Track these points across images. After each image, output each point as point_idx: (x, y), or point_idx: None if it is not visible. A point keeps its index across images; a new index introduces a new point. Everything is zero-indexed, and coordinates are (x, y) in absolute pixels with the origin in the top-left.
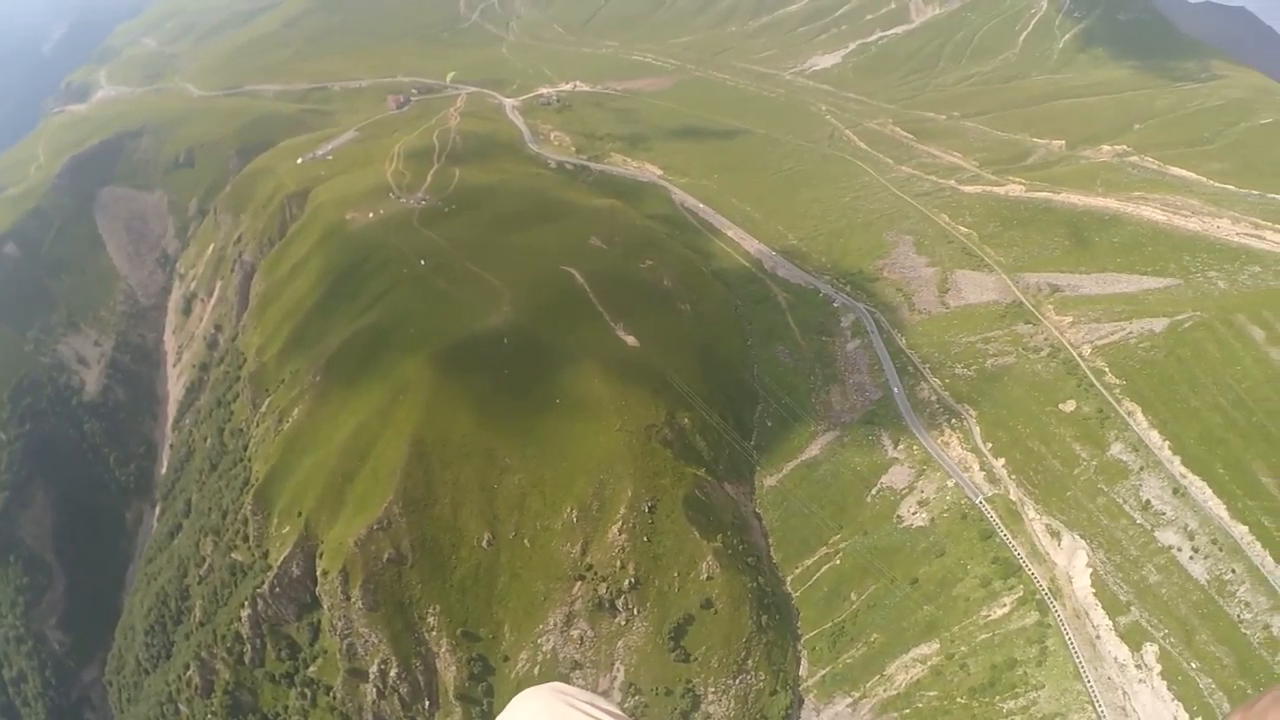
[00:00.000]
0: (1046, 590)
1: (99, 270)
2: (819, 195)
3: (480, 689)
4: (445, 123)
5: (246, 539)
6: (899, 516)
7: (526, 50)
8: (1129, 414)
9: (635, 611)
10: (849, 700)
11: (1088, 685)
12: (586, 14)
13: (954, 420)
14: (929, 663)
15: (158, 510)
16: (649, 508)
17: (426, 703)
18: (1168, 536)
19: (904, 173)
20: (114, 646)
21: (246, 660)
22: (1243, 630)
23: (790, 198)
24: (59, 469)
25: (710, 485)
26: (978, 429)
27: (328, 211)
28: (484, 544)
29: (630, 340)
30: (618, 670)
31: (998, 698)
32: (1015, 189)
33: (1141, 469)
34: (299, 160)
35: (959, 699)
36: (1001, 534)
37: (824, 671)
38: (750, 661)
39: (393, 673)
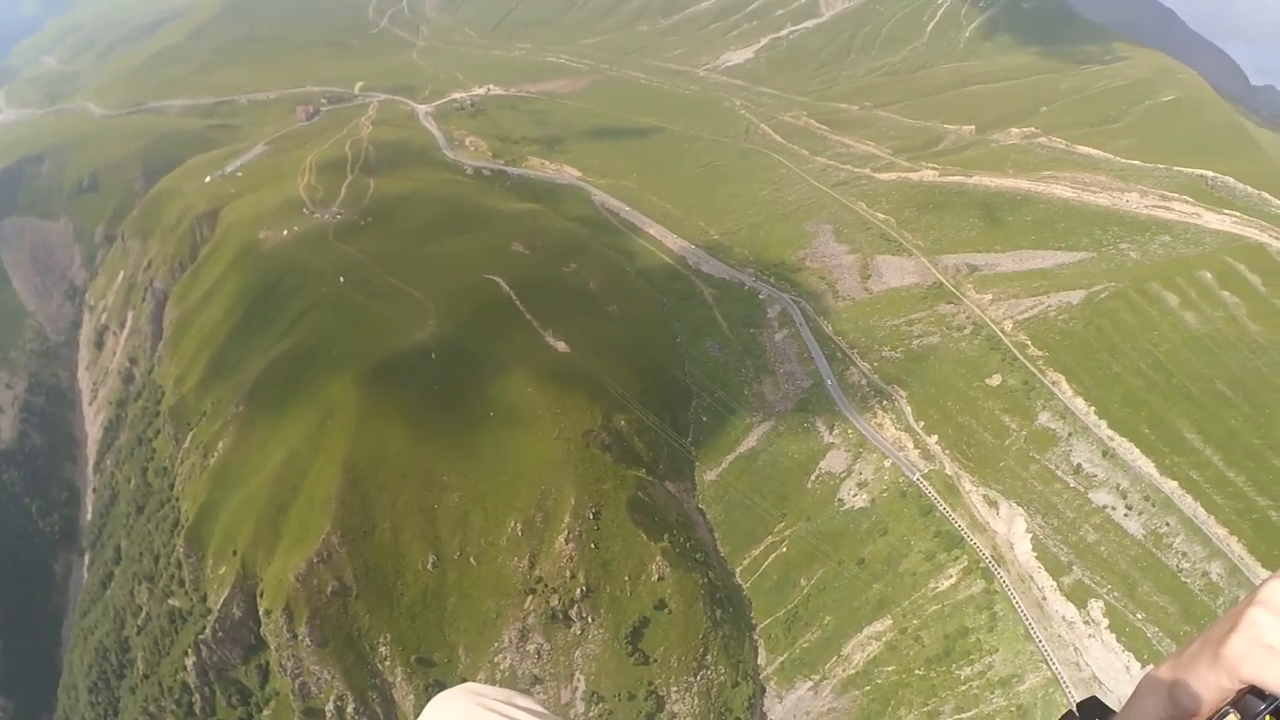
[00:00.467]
0: (990, 558)
1: (6, 308)
2: (738, 190)
3: None
4: (357, 132)
5: (182, 583)
6: (840, 500)
7: (438, 55)
8: (1054, 384)
9: (590, 620)
10: (810, 684)
11: (1039, 645)
12: (497, 17)
13: (885, 402)
14: (884, 639)
15: (87, 559)
16: (593, 514)
17: None
18: (1101, 497)
19: (820, 163)
20: (58, 708)
21: (197, 710)
22: (1183, 579)
23: (710, 193)
24: None
25: (652, 486)
26: (909, 408)
27: (239, 231)
28: (429, 566)
29: (560, 346)
30: (578, 680)
31: (954, 666)
32: (929, 174)
33: (1070, 435)
34: (207, 179)
35: (917, 670)
36: (941, 508)
37: (782, 658)
38: (709, 657)
39: (349, 708)
